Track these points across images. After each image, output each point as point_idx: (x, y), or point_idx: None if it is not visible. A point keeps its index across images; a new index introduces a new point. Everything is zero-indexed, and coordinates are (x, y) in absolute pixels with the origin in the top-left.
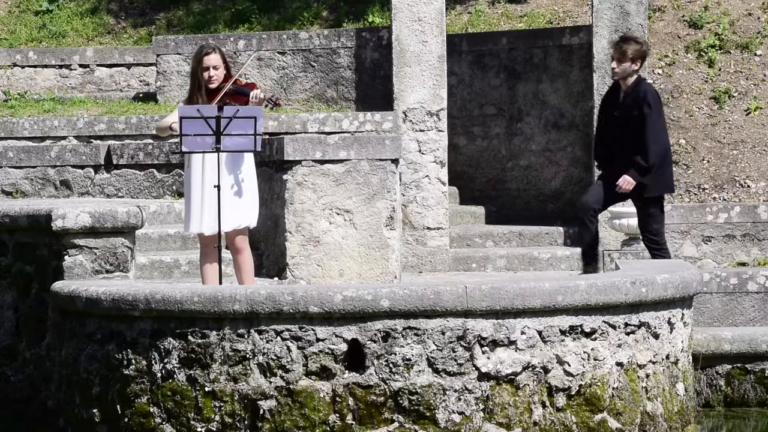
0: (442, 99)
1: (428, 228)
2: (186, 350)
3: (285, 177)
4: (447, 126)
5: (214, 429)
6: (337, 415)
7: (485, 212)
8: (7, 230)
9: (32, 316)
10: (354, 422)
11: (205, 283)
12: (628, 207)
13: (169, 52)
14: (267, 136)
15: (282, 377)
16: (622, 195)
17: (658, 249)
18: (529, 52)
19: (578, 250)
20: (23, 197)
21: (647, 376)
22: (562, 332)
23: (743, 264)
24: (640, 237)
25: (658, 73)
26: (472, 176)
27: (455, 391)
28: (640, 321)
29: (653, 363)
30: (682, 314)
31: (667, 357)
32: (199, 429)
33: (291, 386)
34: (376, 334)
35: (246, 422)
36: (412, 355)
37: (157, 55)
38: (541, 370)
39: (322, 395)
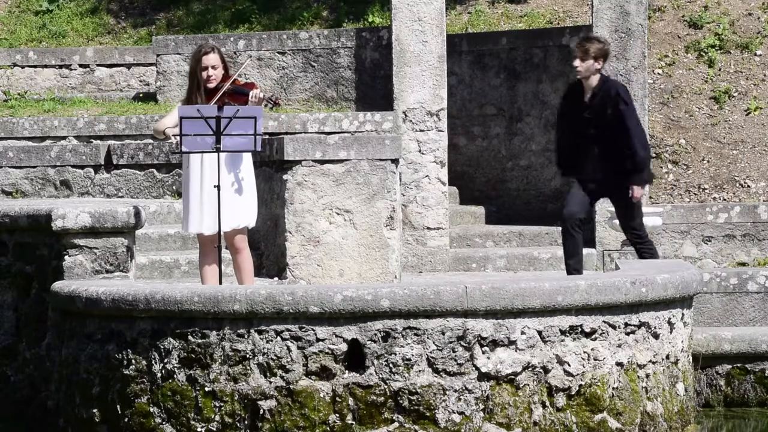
0: (442, 99)
1: (428, 228)
2: (186, 350)
3: (285, 177)
4: (447, 126)
5: (214, 429)
6: (337, 415)
7: (485, 212)
8: (7, 230)
9: (32, 316)
10: (354, 422)
11: (205, 284)
12: None
13: (169, 52)
14: (267, 136)
15: (282, 377)
16: (598, 197)
17: (642, 243)
18: (529, 52)
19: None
20: (23, 197)
21: (647, 376)
22: (562, 332)
23: (743, 264)
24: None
25: (658, 73)
26: (472, 176)
27: (455, 391)
28: (640, 321)
29: (653, 363)
30: (682, 314)
31: (667, 357)
32: (199, 429)
33: (291, 386)
34: (376, 334)
35: (246, 422)
36: (412, 355)
37: (157, 55)
38: (541, 370)
39: (322, 395)
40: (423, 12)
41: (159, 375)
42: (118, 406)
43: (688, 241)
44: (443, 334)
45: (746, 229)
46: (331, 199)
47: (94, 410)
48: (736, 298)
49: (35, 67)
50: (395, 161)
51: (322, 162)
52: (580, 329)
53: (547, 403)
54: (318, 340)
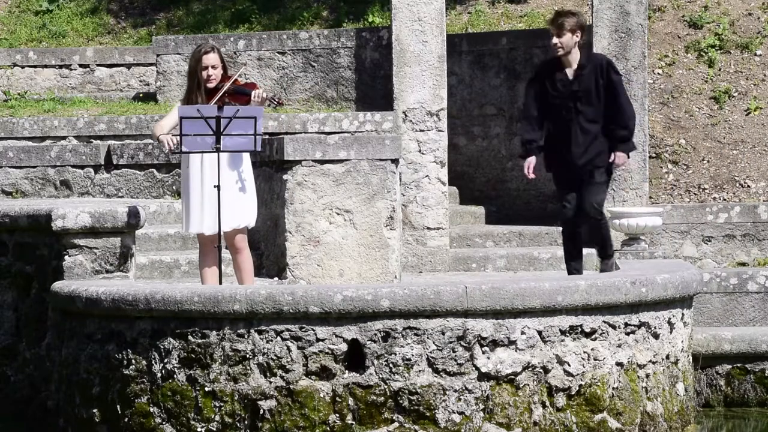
0: (442, 99)
1: (428, 228)
2: (186, 350)
3: (285, 177)
4: (447, 126)
5: (214, 429)
6: (337, 415)
7: (485, 212)
8: (7, 230)
9: (32, 316)
10: (354, 422)
11: (205, 284)
12: (629, 207)
13: (169, 52)
14: (267, 136)
15: (282, 377)
16: (579, 182)
17: (601, 219)
18: (529, 52)
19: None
20: (23, 197)
21: (647, 376)
22: (562, 332)
23: (743, 264)
24: (628, 231)
25: (658, 73)
26: (472, 176)
27: (455, 391)
28: (640, 321)
29: (653, 363)
30: (682, 314)
31: (667, 357)
32: (199, 429)
33: (291, 386)
34: (376, 334)
35: (246, 422)
36: (412, 355)
37: (157, 55)
38: (541, 370)
39: (322, 395)
40: (423, 12)
41: (159, 375)
42: (118, 406)
43: (688, 241)
44: (443, 334)
45: (746, 229)
46: (331, 199)
47: (94, 410)
48: (736, 298)
49: (35, 67)
50: (395, 161)
51: (322, 162)
52: (580, 329)
53: (547, 403)
54: (318, 340)
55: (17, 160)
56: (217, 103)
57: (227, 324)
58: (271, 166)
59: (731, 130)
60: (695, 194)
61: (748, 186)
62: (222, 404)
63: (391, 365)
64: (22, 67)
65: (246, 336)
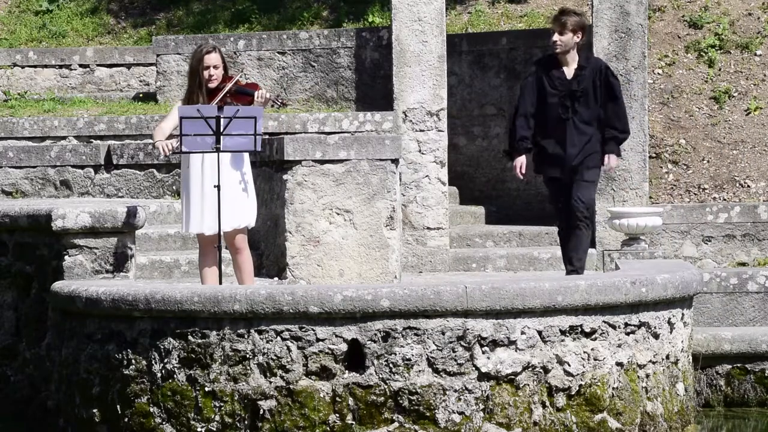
0: (442, 99)
1: (428, 228)
2: (186, 350)
3: (285, 177)
4: (447, 126)
5: (214, 429)
6: (337, 415)
7: (485, 212)
8: (7, 230)
9: (32, 316)
10: (354, 422)
11: (205, 284)
12: (629, 207)
13: (169, 52)
14: (267, 136)
15: (282, 377)
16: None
17: (588, 218)
18: (529, 52)
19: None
20: (23, 197)
21: (647, 376)
22: (562, 332)
23: (743, 264)
24: (632, 235)
25: (658, 73)
26: (472, 176)
27: (455, 391)
28: (640, 321)
29: (653, 363)
30: (682, 314)
31: (667, 357)
32: (199, 429)
33: (291, 386)
34: (376, 334)
35: (246, 422)
36: (412, 355)
37: (157, 55)
38: (541, 370)
39: (322, 395)
40: (423, 12)
41: (159, 375)
42: (118, 406)
43: (688, 241)
44: (443, 334)
45: (746, 229)
46: (331, 199)
47: (94, 410)
48: (736, 298)
49: (35, 67)
50: (395, 161)
51: (322, 162)
52: (580, 329)
53: (547, 403)
54: (318, 340)
55: (17, 160)
56: (219, 103)
57: (227, 324)
58: (271, 166)
59: (731, 130)
60: (695, 194)
61: (748, 186)
62: (222, 404)
63: (391, 365)
64: (22, 67)
65: (246, 336)
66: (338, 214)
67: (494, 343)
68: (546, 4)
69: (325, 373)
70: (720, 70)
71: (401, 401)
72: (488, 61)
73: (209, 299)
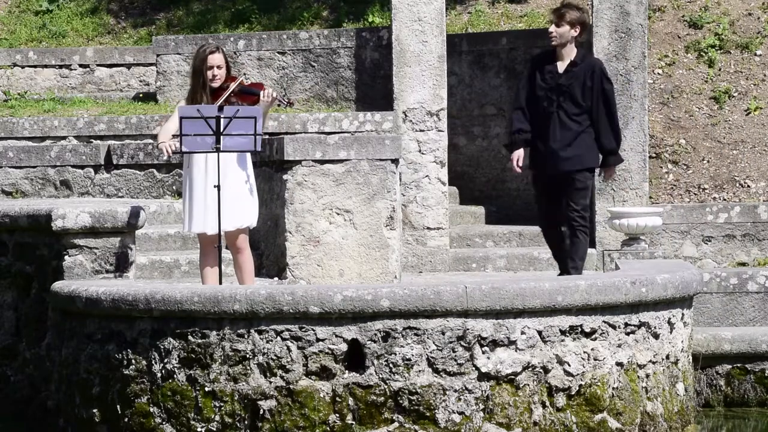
0: (442, 99)
1: (428, 228)
2: (186, 350)
3: (285, 177)
4: (447, 126)
5: (214, 429)
6: (337, 415)
7: (485, 212)
8: (7, 230)
9: (32, 316)
10: (354, 422)
11: (205, 284)
12: (629, 207)
13: (169, 52)
14: (267, 136)
15: (282, 377)
16: (558, 189)
17: (585, 226)
18: (529, 52)
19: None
20: (23, 197)
21: (647, 376)
22: (562, 332)
23: (743, 264)
24: (631, 238)
25: (658, 73)
26: (472, 176)
27: (455, 391)
28: (640, 321)
29: (653, 363)
30: (682, 314)
31: (667, 357)
32: (199, 429)
33: (291, 386)
34: (376, 334)
35: (246, 422)
36: (412, 355)
37: (157, 55)
38: (541, 370)
39: (322, 395)
40: (423, 12)
41: (159, 375)
42: (118, 406)
43: (688, 241)
44: (443, 334)
45: (746, 229)
46: (331, 199)
47: (94, 410)
48: (736, 298)
49: (35, 67)
50: (395, 161)
51: (322, 162)
52: (580, 329)
53: (547, 403)
54: (318, 340)
55: (17, 160)
56: (224, 103)
57: (227, 324)
58: (271, 166)
59: (731, 130)
60: (695, 194)
61: (748, 186)
62: (222, 404)
63: (391, 365)
64: (22, 67)
65: (246, 336)
66: (338, 214)
67: (494, 343)
68: (546, 4)
69: (325, 373)
70: (720, 70)
71: (401, 401)
72: (488, 61)
73: (209, 299)
